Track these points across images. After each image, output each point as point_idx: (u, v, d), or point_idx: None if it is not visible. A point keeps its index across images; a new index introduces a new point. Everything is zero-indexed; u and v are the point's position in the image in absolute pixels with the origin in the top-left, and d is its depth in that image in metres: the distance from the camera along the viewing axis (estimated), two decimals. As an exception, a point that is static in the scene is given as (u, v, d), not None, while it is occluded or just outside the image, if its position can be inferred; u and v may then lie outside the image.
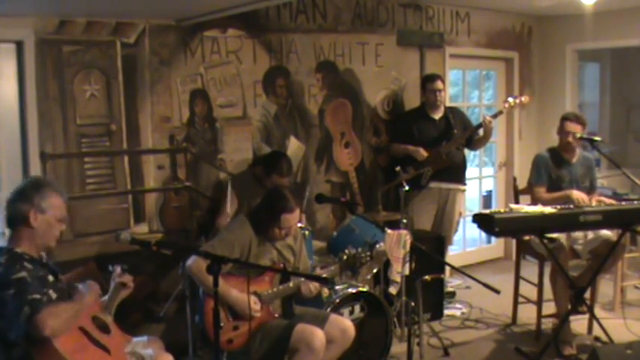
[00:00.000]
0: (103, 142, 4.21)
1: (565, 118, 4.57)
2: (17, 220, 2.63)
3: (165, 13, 4.25)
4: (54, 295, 2.57)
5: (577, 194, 4.36)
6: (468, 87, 7.31)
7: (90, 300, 2.70)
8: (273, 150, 4.79)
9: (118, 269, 2.94)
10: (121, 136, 4.27)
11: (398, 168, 4.61)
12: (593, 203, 4.33)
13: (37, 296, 2.44)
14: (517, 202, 4.88)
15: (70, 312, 2.52)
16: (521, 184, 5.09)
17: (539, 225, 3.96)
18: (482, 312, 5.19)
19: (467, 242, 6.72)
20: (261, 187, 4.29)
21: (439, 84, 5.24)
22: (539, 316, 4.63)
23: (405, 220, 4.36)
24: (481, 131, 5.27)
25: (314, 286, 3.54)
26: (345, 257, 3.67)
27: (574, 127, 4.48)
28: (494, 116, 5.26)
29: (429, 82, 5.23)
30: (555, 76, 6.74)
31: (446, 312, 5.08)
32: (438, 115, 5.29)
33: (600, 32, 6.24)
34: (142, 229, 4.37)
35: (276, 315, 3.55)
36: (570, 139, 4.50)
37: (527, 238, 4.68)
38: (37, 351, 2.43)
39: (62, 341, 2.43)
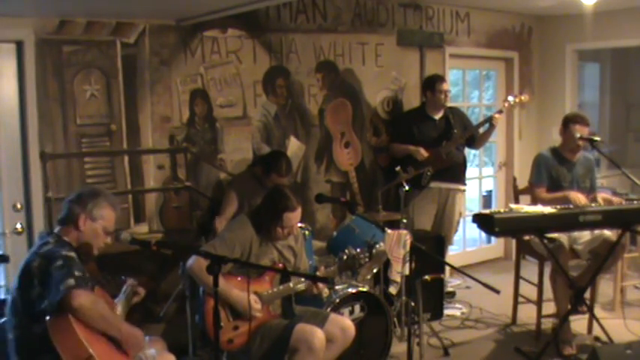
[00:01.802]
0: (103, 142, 4.21)
1: (573, 122, 4.49)
2: (68, 220, 2.78)
3: (165, 13, 4.24)
4: None
5: (575, 196, 4.35)
6: (468, 87, 7.31)
7: (124, 333, 2.69)
8: (272, 149, 4.79)
9: (131, 280, 3.09)
10: (121, 136, 4.27)
11: (398, 168, 4.61)
12: (600, 201, 4.33)
13: (82, 275, 2.57)
14: (517, 202, 4.89)
15: (105, 314, 2.60)
16: (521, 184, 5.09)
17: (539, 225, 3.96)
18: (483, 312, 5.19)
19: (467, 242, 6.72)
20: (261, 186, 4.29)
21: (447, 85, 5.27)
22: (539, 316, 4.63)
23: (405, 220, 4.37)
24: (487, 125, 5.27)
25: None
26: (344, 257, 3.67)
27: (583, 131, 4.45)
28: (500, 112, 5.28)
29: (438, 83, 5.22)
30: (555, 76, 6.73)
31: (446, 312, 5.08)
32: (438, 115, 5.30)
33: (600, 32, 6.24)
34: (142, 229, 4.38)
35: (276, 315, 3.56)
36: (580, 142, 4.48)
37: (527, 238, 4.68)
38: (56, 329, 2.48)
39: (81, 326, 2.50)
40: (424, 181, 5.18)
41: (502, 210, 4.10)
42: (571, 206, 4.13)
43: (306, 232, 4.24)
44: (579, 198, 4.31)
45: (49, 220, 3.97)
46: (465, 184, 5.51)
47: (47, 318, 2.50)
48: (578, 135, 4.45)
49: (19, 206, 3.93)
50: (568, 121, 4.55)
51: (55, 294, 2.49)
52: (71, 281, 2.49)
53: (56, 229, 2.82)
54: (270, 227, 3.50)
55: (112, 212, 2.86)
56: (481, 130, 5.35)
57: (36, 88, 3.90)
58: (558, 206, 4.07)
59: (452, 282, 5.81)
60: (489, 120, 5.23)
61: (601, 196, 4.47)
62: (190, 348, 3.91)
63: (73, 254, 2.65)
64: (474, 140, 5.39)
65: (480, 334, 4.79)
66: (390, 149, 5.48)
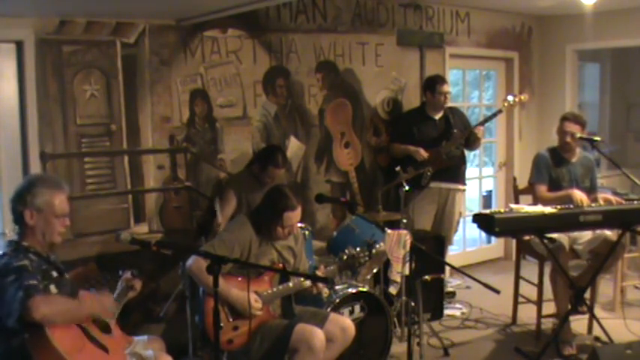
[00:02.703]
0: (103, 142, 4.21)
1: (564, 119, 4.57)
2: (18, 221, 2.70)
3: (165, 13, 4.25)
4: (54, 290, 2.59)
5: (577, 194, 4.35)
6: (468, 87, 7.31)
7: (92, 307, 2.67)
8: (267, 145, 4.80)
9: (128, 273, 3.02)
10: (121, 136, 4.27)
11: (398, 168, 4.61)
12: (600, 202, 4.33)
13: (34, 282, 2.48)
14: (517, 202, 4.88)
15: (65, 305, 2.54)
16: (521, 184, 5.09)
17: (539, 225, 3.96)
18: (483, 312, 5.18)
19: (467, 242, 6.72)
20: (260, 184, 4.29)
21: (447, 86, 5.27)
22: (539, 316, 4.63)
23: (405, 220, 4.37)
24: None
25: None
26: (344, 257, 3.67)
27: (572, 128, 4.48)
28: (493, 116, 5.30)
29: (438, 85, 5.20)
30: (555, 76, 6.73)
31: (446, 312, 5.08)
32: (438, 115, 5.30)
33: (600, 32, 6.24)
34: (142, 229, 4.38)
35: (276, 315, 3.55)
36: (569, 139, 4.50)
37: (527, 238, 4.68)
38: (34, 346, 2.43)
39: (60, 339, 2.44)
40: (424, 181, 5.18)
41: (502, 210, 4.10)
42: (571, 206, 4.13)
43: (306, 233, 4.24)
44: (581, 196, 4.31)
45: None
46: (464, 184, 5.51)
47: (26, 336, 2.43)
48: (566, 131, 4.47)
49: (19, 206, 3.93)
50: (560, 119, 4.61)
51: (14, 313, 2.41)
52: (21, 294, 2.40)
53: (16, 235, 2.72)
54: (271, 227, 3.49)
55: (56, 194, 2.70)
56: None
57: (36, 88, 3.90)
58: (558, 206, 4.07)
59: (452, 282, 5.81)
60: (470, 134, 5.23)
61: (602, 196, 4.47)
62: (190, 348, 3.91)
63: (25, 262, 2.54)
64: (469, 142, 5.39)
65: (480, 334, 4.79)
66: (390, 149, 5.48)
